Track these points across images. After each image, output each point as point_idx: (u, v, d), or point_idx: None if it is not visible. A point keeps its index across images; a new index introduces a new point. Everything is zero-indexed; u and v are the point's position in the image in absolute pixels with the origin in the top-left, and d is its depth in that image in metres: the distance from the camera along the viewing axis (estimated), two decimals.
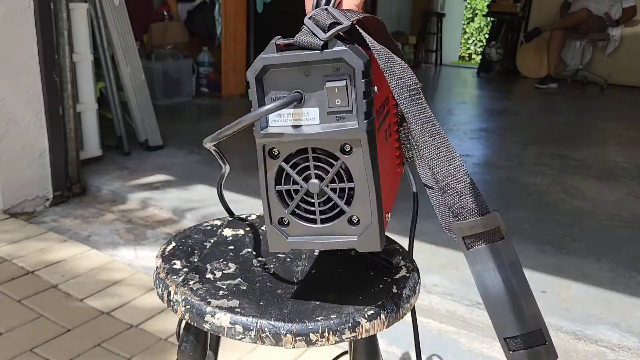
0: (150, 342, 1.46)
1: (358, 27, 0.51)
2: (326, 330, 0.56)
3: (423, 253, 1.94)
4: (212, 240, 0.75)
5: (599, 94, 5.79)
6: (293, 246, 0.56)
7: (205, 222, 0.82)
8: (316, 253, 0.72)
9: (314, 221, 0.56)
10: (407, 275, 0.68)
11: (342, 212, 0.55)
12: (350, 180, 0.53)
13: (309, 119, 0.52)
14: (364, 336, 0.58)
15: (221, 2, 4.34)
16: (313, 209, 0.55)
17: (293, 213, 0.56)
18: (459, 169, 0.48)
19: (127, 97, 2.91)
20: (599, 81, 6.04)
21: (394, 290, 0.64)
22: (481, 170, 3.05)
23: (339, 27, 0.49)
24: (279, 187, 0.55)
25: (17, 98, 2.14)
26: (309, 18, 0.51)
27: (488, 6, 7.35)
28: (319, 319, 0.57)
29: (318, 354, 1.44)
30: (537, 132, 4.06)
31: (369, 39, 0.51)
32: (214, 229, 0.79)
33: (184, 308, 0.59)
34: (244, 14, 4.51)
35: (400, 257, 0.72)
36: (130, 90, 2.90)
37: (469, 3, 10.27)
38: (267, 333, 0.56)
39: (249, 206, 2.23)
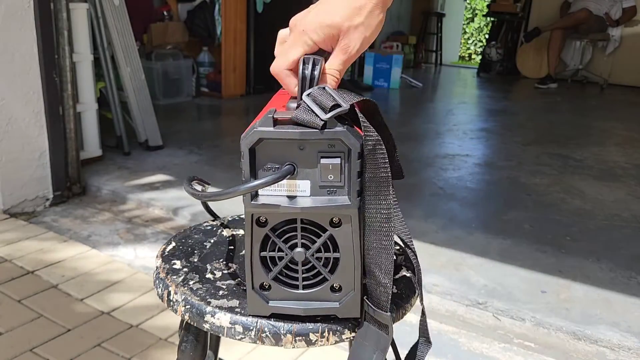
0: (150, 342, 1.46)
1: (357, 111, 0.52)
2: (326, 330, 0.56)
3: (423, 253, 1.94)
4: (212, 240, 0.75)
5: (599, 94, 5.79)
6: (274, 310, 0.56)
7: (205, 222, 0.82)
8: None
9: (295, 287, 0.56)
10: (407, 275, 0.69)
11: (324, 280, 0.56)
12: (336, 250, 0.55)
13: (300, 191, 0.53)
14: None
15: (221, 2, 4.34)
16: (296, 275, 0.56)
17: (275, 278, 0.56)
18: (389, 268, 0.54)
19: (127, 97, 2.91)
20: (599, 81, 6.04)
21: (394, 290, 0.64)
22: (481, 170, 3.05)
23: (339, 109, 0.50)
24: (263, 254, 0.55)
25: (17, 98, 2.14)
26: (307, 95, 0.52)
27: (488, 6, 7.35)
28: (318, 318, 0.57)
29: (318, 354, 1.44)
30: (537, 132, 4.06)
31: (366, 123, 0.52)
32: (214, 229, 0.79)
33: (184, 308, 0.59)
34: (244, 14, 4.52)
35: (400, 257, 0.73)
36: (130, 90, 2.90)
37: (469, 3, 10.27)
38: (267, 333, 0.56)
39: None
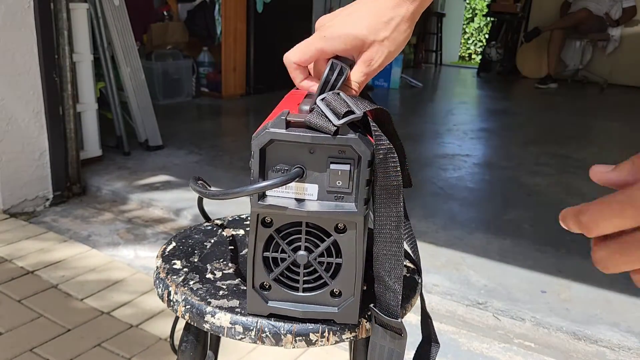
0: (150, 342, 1.46)
1: (370, 119, 0.52)
2: (326, 330, 0.56)
3: (423, 253, 1.93)
4: (212, 240, 0.75)
5: (599, 94, 5.79)
6: (272, 311, 0.57)
7: (205, 222, 0.82)
8: None
9: (296, 289, 0.56)
10: (407, 275, 0.69)
11: (325, 284, 0.56)
12: (339, 256, 0.55)
13: (308, 194, 0.53)
14: (364, 336, 0.58)
15: (221, 2, 4.34)
16: (297, 277, 0.56)
17: (276, 279, 0.56)
18: (399, 275, 0.54)
19: (127, 97, 2.91)
20: (599, 81, 6.04)
21: None
22: (481, 170, 3.05)
23: (352, 116, 0.50)
24: (266, 254, 0.56)
25: (17, 98, 2.14)
26: (321, 100, 0.52)
27: (488, 6, 7.35)
28: (319, 318, 0.57)
29: (318, 354, 1.44)
30: (537, 132, 4.06)
31: (378, 132, 0.52)
32: (214, 229, 0.79)
33: (184, 308, 0.59)
34: (244, 14, 4.52)
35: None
36: (130, 90, 2.90)
37: (468, 3, 10.26)
38: (267, 333, 0.56)
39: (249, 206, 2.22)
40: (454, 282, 1.75)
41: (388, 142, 0.51)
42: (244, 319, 0.56)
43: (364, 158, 0.51)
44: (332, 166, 0.51)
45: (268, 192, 0.53)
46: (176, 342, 0.75)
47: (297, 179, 0.52)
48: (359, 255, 0.54)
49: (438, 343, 0.65)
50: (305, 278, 0.56)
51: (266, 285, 0.56)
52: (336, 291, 0.56)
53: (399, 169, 0.51)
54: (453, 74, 7.38)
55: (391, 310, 0.55)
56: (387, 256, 0.54)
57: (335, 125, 0.50)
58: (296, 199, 0.53)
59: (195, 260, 0.69)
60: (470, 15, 10.64)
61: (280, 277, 0.56)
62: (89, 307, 1.60)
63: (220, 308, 0.58)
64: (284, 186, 0.52)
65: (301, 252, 0.55)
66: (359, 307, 0.56)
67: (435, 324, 1.60)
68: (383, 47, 0.56)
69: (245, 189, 0.51)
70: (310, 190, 0.53)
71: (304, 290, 0.56)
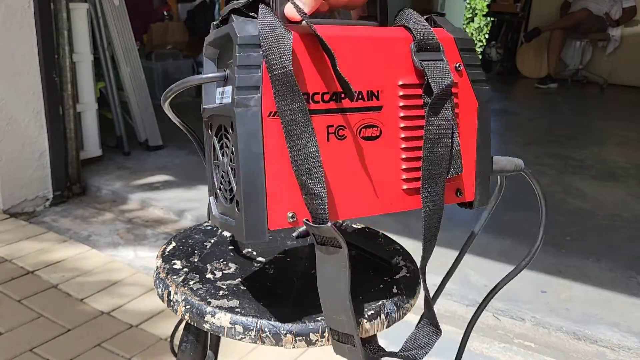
0: (150, 342, 1.46)
1: (263, 4, 0.48)
2: (326, 330, 0.56)
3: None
4: (212, 240, 0.75)
5: (599, 94, 5.79)
6: (217, 223, 0.54)
7: (205, 222, 0.82)
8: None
9: (226, 200, 0.54)
10: (408, 275, 0.69)
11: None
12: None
13: (227, 97, 0.50)
14: (364, 336, 0.58)
15: (221, 2, 4.34)
16: (225, 187, 0.54)
17: (220, 189, 0.55)
18: (319, 175, 0.47)
19: (127, 97, 2.91)
20: (599, 81, 6.04)
21: (394, 290, 0.64)
22: None
23: (235, 3, 0.48)
24: (214, 162, 0.56)
25: (17, 98, 2.14)
26: None
27: (488, 6, 7.35)
28: (319, 319, 0.57)
29: (318, 354, 1.44)
30: (537, 132, 4.06)
31: (265, 13, 0.46)
32: (215, 229, 0.79)
33: (184, 308, 0.59)
34: None
35: (400, 257, 0.73)
36: (130, 90, 2.90)
37: (468, 3, 10.26)
38: (267, 333, 0.56)
39: None
40: (454, 282, 1.75)
41: (278, 22, 0.46)
42: (244, 319, 0.56)
43: (234, 41, 0.46)
44: (231, 61, 0.49)
45: (216, 100, 0.54)
46: (175, 342, 0.75)
47: (222, 78, 0.51)
48: (236, 157, 0.48)
49: (439, 330, 0.60)
50: (229, 187, 0.52)
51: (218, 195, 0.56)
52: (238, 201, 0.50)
53: (289, 52, 0.45)
54: None
55: (319, 216, 0.47)
56: (303, 156, 0.47)
57: (220, 16, 0.49)
58: (221, 103, 0.52)
59: (195, 260, 0.69)
60: (470, 15, 10.64)
61: (221, 186, 0.54)
62: (89, 307, 1.60)
63: (220, 308, 0.58)
64: (219, 92, 0.53)
65: (222, 158, 0.54)
66: (245, 223, 0.48)
67: None
68: None
69: (172, 86, 0.55)
70: (229, 92, 0.50)
71: (230, 201, 0.52)
